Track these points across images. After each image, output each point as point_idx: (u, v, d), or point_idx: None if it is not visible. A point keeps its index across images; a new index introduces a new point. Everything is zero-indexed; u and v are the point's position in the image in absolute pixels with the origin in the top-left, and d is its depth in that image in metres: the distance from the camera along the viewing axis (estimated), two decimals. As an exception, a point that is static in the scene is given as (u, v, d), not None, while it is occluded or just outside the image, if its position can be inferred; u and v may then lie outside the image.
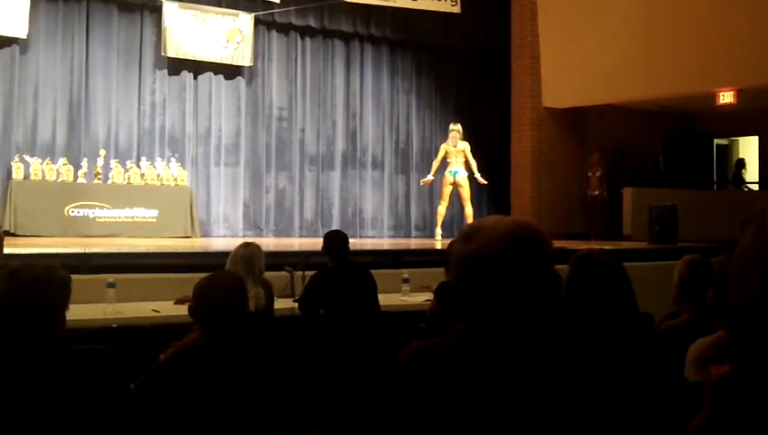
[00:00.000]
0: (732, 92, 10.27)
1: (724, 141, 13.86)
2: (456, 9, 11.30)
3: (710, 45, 9.43)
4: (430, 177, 10.52)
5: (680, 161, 12.61)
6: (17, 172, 9.23)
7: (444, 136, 12.68)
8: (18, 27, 9.51)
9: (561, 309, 2.73)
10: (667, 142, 12.57)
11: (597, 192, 11.28)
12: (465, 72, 12.63)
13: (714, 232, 9.59)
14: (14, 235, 8.51)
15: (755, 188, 12.81)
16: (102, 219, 9.36)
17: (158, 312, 4.26)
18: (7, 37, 9.58)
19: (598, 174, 11.33)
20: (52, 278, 2.39)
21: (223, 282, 2.78)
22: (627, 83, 10.33)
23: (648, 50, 9.98)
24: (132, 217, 9.52)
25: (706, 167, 13.40)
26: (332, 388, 2.77)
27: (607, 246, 8.55)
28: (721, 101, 10.46)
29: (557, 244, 7.04)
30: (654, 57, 9.91)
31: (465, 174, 10.29)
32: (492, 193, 12.62)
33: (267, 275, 4.62)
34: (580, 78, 10.82)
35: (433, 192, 12.55)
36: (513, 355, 1.45)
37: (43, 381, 2.26)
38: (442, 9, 11.36)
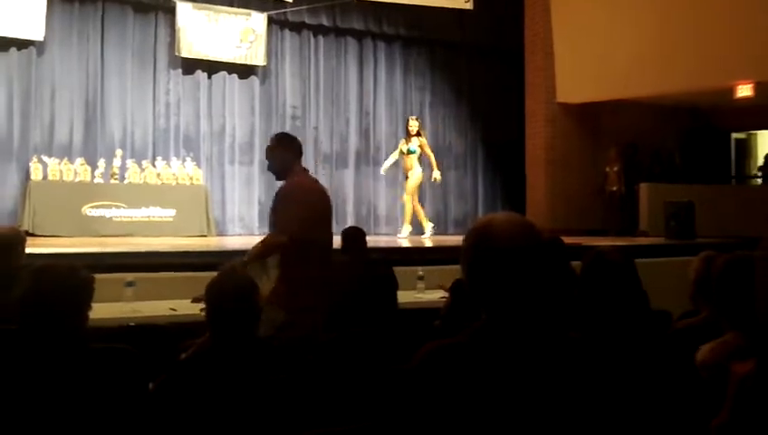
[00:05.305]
0: (750, 86, 10.17)
1: (742, 135, 13.73)
2: (469, 5, 11.27)
3: (728, 38, 9.35)
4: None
5: (696, 156, 12.51)
6: (35, 173, 9.31)
7: (457, 132, 12.69)
8: (35, 30, 9.59)
9: (573, 308, 2.73)
10: (682, 137, 12.47)
11: (615, 188, 11.22)
12: (479, 68, 12.60)
13: (732, 228, 9.52)
14: (32, 235, 8.59)
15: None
16: (119, 219, 9.42)
17: (175, 310, 4.29)
18: (24, 40, 9.67)
19: (615, 169, 11.26)
20: (74, 279, 2.42)
21: (233, 283, 2.79)
22: (642, 78, 10.26)
23: (663, 43, 9.91)
24: (148, 217, 9.57)
25: (723, 162, 13.28)
26: (346, 386, 2.78)
27: (623, 243, 8.52)
28: (739, 95, 10.36)
29: (572, 240, 6.94)
30: (670, 51, 9.84)
31: None
32: (506, 190, 12.61)
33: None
34: (594, 73, 10.76)
35: (446, 189, 12.54)
36: (528, 355, 1.45)
37: (64, 379, 2.28)
38: (454, 5, 11.34)
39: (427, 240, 9.84)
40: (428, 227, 10.27)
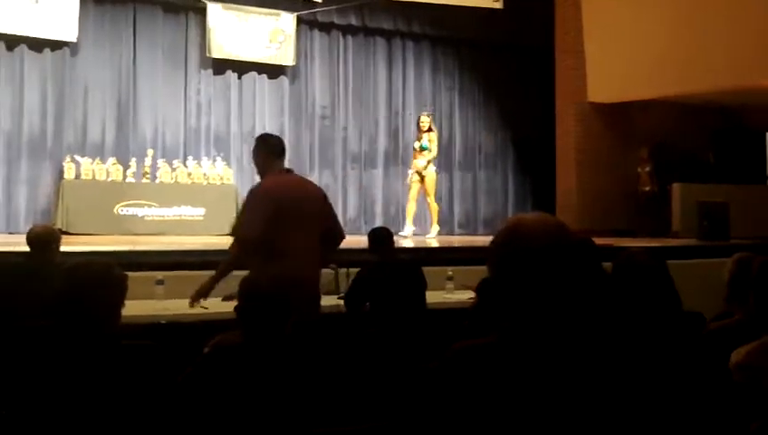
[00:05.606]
0: (789, 85, 9.98)
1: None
2: (498, 4, 11.23)
3: (761, 36, 9.17)
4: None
5: (728, 156, 12.32)
6: (68, 172, 9.45)
7: (486, 132, 12.65)
8: (68, 31, 9.76)
9: (604, 309, 2.71)
10: (713, 137, 12.30)
11: (648, 188, 11.10)
12: (508, 68, 12.55)
13: (766, 229, 9.35)
14: (65, 233, 8.72)
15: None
16: (151, 218, 9.53)
17: (206, 308, 4.32)
18: (58, 41, 9.83)
19: (647, 170, 11.14)
20: (108, 276, 2.45)
21: (267, 280, 2.82)
22: (672, 77, 10.12)
23: (697, 40, 9.76)
24: (180, 216, 9.67)
25: (757, 162, 13.06)
26: (374, 385, 2.78)
27: (656, 244, 8.42)
28: (776, 94, 10.19)
29: (604, 241, 6.89)
30: (704, 48, 9.68)
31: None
32: (536, 189, 12.53)
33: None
34: (626, 71, 10.64)
35: (476, 189, 12.51)
36: (557, 357, 1.44)
37: (98, 375, 2.32)
38: (483, 5, 11.30)
39: (455, 240, 9.79)
40: (410, 229, 10.06)
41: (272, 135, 4.56)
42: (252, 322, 2.70)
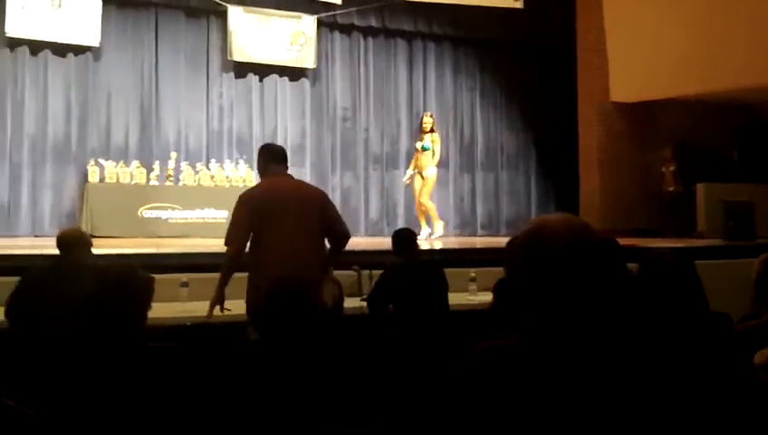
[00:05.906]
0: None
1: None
2: (519, 4, 11.20)
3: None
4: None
5: (753, 154, 12.16)
6: (93, 175, 9.56)
7: (508, 132, 12.60)
8: (91, 36, 9.87)
9: (630, 310, 2.69)
10: (737, 135, 12.15)
11: (672, 188, 11.01)
12: (529, 68, 12.50)
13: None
14: (91, 236, 8.81)
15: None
16: (175, 220, 9.61)
17: (229, 310, 4.35)
18: (81, 46, 9.94)
19: (671, 169, 11.05)
20: (136, 279, 2.48)
21: (292, 283, 2.82)
22: (697, 74, 10.02)
23: (719, 38, 9.65)
24: (203, 218, 9.74)
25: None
26: (398, 386, 2.78)
27: (681, 244, 8.34)
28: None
29: (628, 241, 6.84)
30: (726, 45, 9.58)
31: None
32: (558, 190, 12.47)
33: (334, 274, 4.67)
34: (648, 70, 10.55)
35: (498, 189, 12.47)
36: (581, 358, 1.43)
37: (124, 376, 2.35)
38: (504, 5, 11.27)
39: (478, 241, 9.75)
40: (426, 231, 9.91)
41: (269, 143, 4.72)
42: (269, 322, 2.71)
